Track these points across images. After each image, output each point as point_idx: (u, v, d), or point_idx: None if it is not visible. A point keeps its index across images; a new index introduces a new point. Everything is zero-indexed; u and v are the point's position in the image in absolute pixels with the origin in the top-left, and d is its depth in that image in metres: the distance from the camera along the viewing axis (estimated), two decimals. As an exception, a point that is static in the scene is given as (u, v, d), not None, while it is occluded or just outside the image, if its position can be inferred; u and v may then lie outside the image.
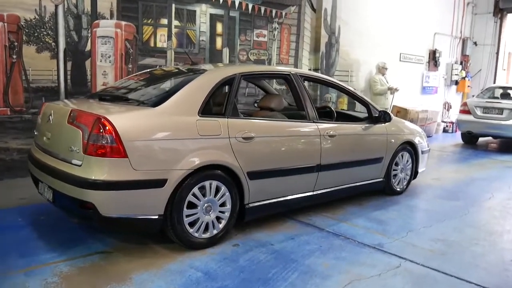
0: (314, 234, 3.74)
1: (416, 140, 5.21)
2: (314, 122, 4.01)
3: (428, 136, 10.47)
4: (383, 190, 5.00)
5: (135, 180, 2.91)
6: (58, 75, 5.47)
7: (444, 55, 11.81)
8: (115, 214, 2.92)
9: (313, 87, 8.35)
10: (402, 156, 5.07)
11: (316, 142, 3.96)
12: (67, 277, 2.82)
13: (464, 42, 12.66)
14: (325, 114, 4.77)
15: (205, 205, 3.27)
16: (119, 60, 5.92)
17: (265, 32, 7.59)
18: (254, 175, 3.51)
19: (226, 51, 7.09)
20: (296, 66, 8.16)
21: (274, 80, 7.46)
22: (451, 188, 5.60)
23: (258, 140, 3.50)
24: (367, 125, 4.60)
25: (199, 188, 3.21)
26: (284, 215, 4.10)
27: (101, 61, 5.79)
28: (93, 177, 2.83)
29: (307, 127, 3.96)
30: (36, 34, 5.24)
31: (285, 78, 4.06)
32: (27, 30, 5.15)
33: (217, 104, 3.54)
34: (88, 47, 5.67)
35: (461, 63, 12.68)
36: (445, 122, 12.07)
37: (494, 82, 12.76)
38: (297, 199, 3.96)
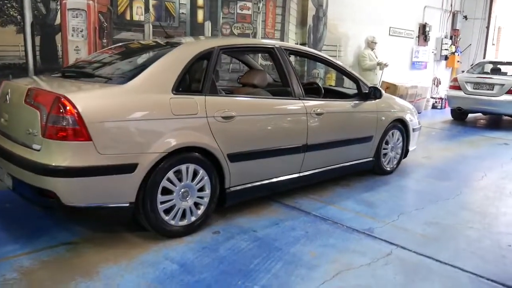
0: (300, 218, 3.51)
1: (407, 117, 4.97)
2: (300, 99, 3.73)
3: (418, 113, 10.30)
4: (373, 170, 4.78)
5: (101, 166, 2.62)
6: (25, 51, 5.07)
7: (434, 29, 11.52)
8: (79, 203, 2.64)
9: (300, 62, 8.04)
10: (392, 134, 4.84)
11: (302, 121, 3.70)
12: (28, 272, 2.56)
13: (454, 16, 12.36)
14: (312, 90, 4.51)
15: (182, 190, 3.01)
16: (92, 34, 5.52)
17: (249, 4, 7.20)
18: (235, 157, 3.24)
19: (208, 25, 6.71)
20: (282, 40, 7.80)
21: (260, 55, 7.15)
22: (443, 167, 5.41)
23: (239, 119, 3.22)
24: (357, 102, 4.34)
25: (174, 173, 2.94)
26: (269, 198, 3.87)
27: (72, 35, 5.40)
28: (53, 163, 2.54)
29: (293, 105, 3.69)
30: (-1, 6, 4.82)
31: (268, 52, 3.75)
32: (-11, 2, 4.73)
33: (193, 80, 3.23)
34: (57, 21, 5.27)
35: (451, 38, 12.42)
36: (434, 98, 11.87)
37: (484, 57, 12.56)
38: (283, 181, 3.71)
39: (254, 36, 7.35)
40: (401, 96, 9.52)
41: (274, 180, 3.64)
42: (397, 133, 4.89)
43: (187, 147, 2.97)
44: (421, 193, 4.35)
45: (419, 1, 10.87)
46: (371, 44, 9.11)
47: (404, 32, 10.64)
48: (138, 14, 5.93)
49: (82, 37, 5.46)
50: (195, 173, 3.06)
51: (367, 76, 8.97)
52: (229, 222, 3.37)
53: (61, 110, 2.54)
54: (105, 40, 5.62)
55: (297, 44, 7.97)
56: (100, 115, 2.61)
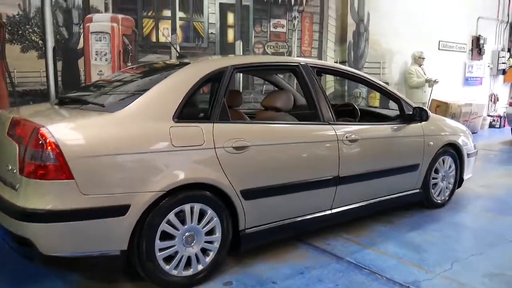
0: (331, 265, 2.96)
1: (460, 141, 4.30)
2: (329, 124, 3.22)
3: (473, 133, 9.34)
4: (420, 203, 4.14)
5: (84, 208, 2.23)
6: (47, 76, 4.92)
7: (489, 42, 10.61)
8: (60, 253, 2.25)
9: (340, 82, 7.52)
10: (443, 161, 4.18)
11: (332, 149, 3.17)
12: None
13: (511, 26, 11.38)
14: (347, 113, 3.98)
15: (186, 234, 2.56)
16: (116, 57, 5.31)
17: (283, 21, 6.81)
18: (250, 194, 2.77)
19: (239, 44, 6.37)
20: (320, 58, 7.33)
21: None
22: (504, 198, 4.65)
23: (255, 150, 2.75)
24: (399, 125, 3.76)
25: (176, 214, 2.51)
26: (296, 239, 3.35)
27: (96, 59, 5.21)
28: (28, 206, 2.18)
29: (321, 131, 3.18)
30: (20, 32, 4.70)
31: (292, 70, 3.28)
32: (10, 28, 4.61)
33: (201, 105, 2.82)
34: (80, 45, 5.09)
35: (508, 50, 11.41)
36: (491, 116, 10.87)
37: (547, 70, 11.42)
38: (310, 220, 3.18)
39: (290, 55, 6.92)
40: (453, 115, 8.75)
41: (300, 219, 3.12)
42: (448, 160, 4.23)
43: (191, 184, 2.53)
44: (480, 232, 3.66)
45: (471, 11, 10.05)
46: (418, 60, 8.44)
47: (456, 45, 9.85)
48: (164, 35, 5.67)
49: (106, 60, 5.26)
50: (202, 214, 2.61)
51: (415, 95, 8.31)
52: (246, 269, 2.88)
53: (39, 143, 2.18)
54: (130, 64, 5.38)
55: (336, 62, 7.47)
56: (83, 148, 2.23)
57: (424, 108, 3.75)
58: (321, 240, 3.37)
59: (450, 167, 4.27)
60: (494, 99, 11.31)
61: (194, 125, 2.59)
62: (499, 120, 10.71)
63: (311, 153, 3.07)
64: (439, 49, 9.45)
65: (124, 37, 5.34)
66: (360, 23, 7.73)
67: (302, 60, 3.39)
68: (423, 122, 3.86)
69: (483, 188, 5.03)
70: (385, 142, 3.61)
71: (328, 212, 3.30)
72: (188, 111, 2.67)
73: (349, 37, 7.59)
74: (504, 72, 11.28)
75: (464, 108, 9.03)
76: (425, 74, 8.39)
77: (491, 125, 10.70)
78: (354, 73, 3.64)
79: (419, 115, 3.78)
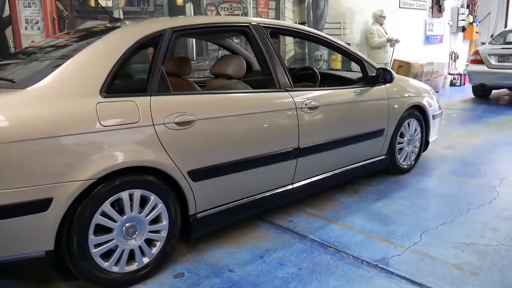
0: (294, 246, 2.71)
1: (425, 102, 4.09)
2: (287, 90, 2.89)
3: (435, 92, 9.34)
4: (386, 170, 3.94)
5: (-5, 207, 1.85)
6: (-31, 48, 4.33)
7: (449, -1, 10.48)
8: (-30, 261, 1.88)
9: (300, 44, 7.17)
10: (408, 125, 3.97)
11: (291, 118, 2.87)
12: None
13: (470, -18, 11.26)
14: (307, 77, 3.66)
15: (126, 225, 2.23)
16: (50, 25, 4.74)
17: (237, -19, 6.32)
18: (199, 174, 2.44)
19: (189, 7, 5.87)
20: (278, 19, 6.92)
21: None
22: (470, 159, 4.53)
23: (201, 124, 2.40)
24: (362, 88, 3.48)
25: (112, 204, 2.16)
26: (256, 217, 3.07)
27: (26, 28, 4.62)
28: None
29: (277, 99, 2.85)
30: None
31: (242, 32, 2.90)
32: None
33: (135, 76, 2.42)
34: (6, 12, 4.49)
35: (467, 7, 11.33)
36: (452, 74, 10.86)
37: (506, 26, 11.45)
38: (269, 197, 2.90)
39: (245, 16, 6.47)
40: (416, 75, 8.62)
41: (258, 197, 2.83)
42: (414, 123, 4.03)
43: (127, 168, 2.17)
44: (447, 198, 3.49)
45: (431, -33, 9.81)
46: (379, 19, 8.17)
47: (416, 3, 9.63)
48: (104, -2, 5.10)
49: (38, 29, 4.68)
50: (144, 201, 2.28)
51: (376, 55, 8.09)
52: (199, 256, 2.59)
53: None
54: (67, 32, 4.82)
55: (296, 23, 7.08)
56: (-14, 135, 1.83)
57: (388, 69, 3.48)
58: (283, 217, 3.12)
59: (415, 130, 4.07)
60: (454, 57, 11.29)
61: (127, 99, 2.20)
62: (459, 78, 10.71)
63: (267, 124, 2.75)
64: (399, 7, 9.21)
65: (57, 2, 4.75)
66: (318, -19, 7.32)
67: (254, 20, 3.01)
68: (387, 84, 3.60)
69: (448, 149, 4.90)
70: (348, 108, 3.33)
71: (290, 187, 3.03)
72: (119, 83, 2.29)
73: (308, -4, 7.18)
74: (463, 29, 11.22)
75: (426, 67, 8.91)
76: (386, 33, 8.16)
77: (452, 84, 10.70)
78: (312, 33, 3.29)
79: (383, 76, 3.51)
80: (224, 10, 6.24)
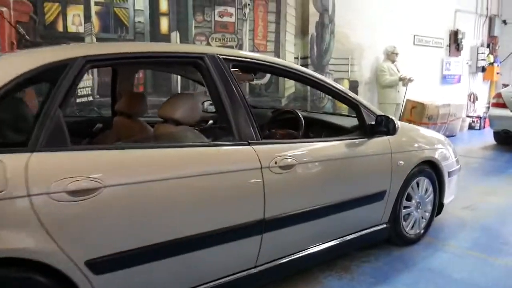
0: None
1: (439, 156, 3.31)
2: (249, 143, 2.17)
3: (452, 136, 8.53)
4: (389, 240, 3.15)
5: None
6: None
7: (467, 37, 9.78)
8: None
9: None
10: (418, 184, 3.20)
11: (252, 182, 2.13)
12: None
13: (491, 20, 10.56)
14: (291, 123, 2.95)
15: None
16: (8, 51, 4.16)
17: (231, 9, 5.75)
18: (105, 265, 1.70)
19: (175, 36, 5.29)
20: (277, 53, 6.30)
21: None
22: (494, 226, 3.69)
23: (108, 194, 1.68)
24: (357, 140, 2.74)
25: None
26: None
27: (-22, 53, 4.04)
28: None
29: (233, 155, 2.12)
30: None
31: (193, 64, 2.20)
32: None
33: (13, 124, 1.73)
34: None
35: (488, 46, 10.62)
36: (470, 117, 10.03)
37: (530, 67, 10.68)
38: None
39: (240, 49, 5.86)
40: (430, 117, 7.86)
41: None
42: (424, 182, 3.25)
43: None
44: (468, 287, 2.66)
45: (449, 4, 9.18)
46: (391, 56, 7.51)
47: (432, 40, 8.97)
48: (75, 24, 4.54)
49: (-7, 55, 4.09)
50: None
51: (388, 94, 7.41)
52: None
53: None
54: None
55: (297, 58, 6.46)
56: None
57: (391, 117, 2.73)
58: (244, 309, 2.33)
59: (426, 190, 3.29)
60: (473, 98, 10.51)
61: (-11, 158, 1.51)
62: (478, 121, 9.88)
63: (213, 192, 2.01)
64: (414, 44, 8.55)
65: (18, 25, 4.20)
66: (324, 13, 6.71)
67: (211, 49, 2.34)
68: (390, 136, 2.85)
69: (467, 211, 4.06)
70: (336, 166, 2.57)
71: (252, 270, 2.26)
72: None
73: (311, 29, 6.57)
74: (483, 69, 10.47)
75: (442, 109, 8.13)
76: (398, 71, 7.47)
77: (470, 127, 9.87)
78: (292, 69, 2.54)
79: (385, 125, 2.76)
80: (215, 41, 5.65)
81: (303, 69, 2.68)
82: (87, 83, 4.65)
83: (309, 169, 2.41)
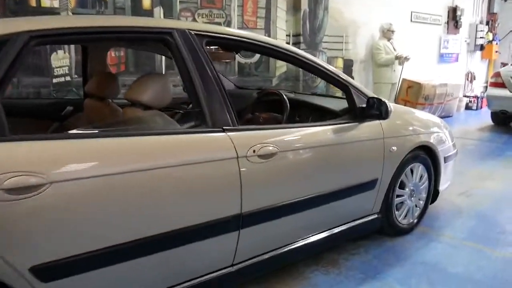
0: None
1: (435, 140, 3.10)
2: (224, 130, 1.94)
3: (448, 116, 8.33)
4: (380, 230, 2.96)
5: None
6: None
7: (466, 14, 9.47)
8: None
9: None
10: (412, 171, 3.00)
11: (226, 173, 1.91)
12: None
13: (491, -4, 10.27)
14: (275, 106, 2.72)
15: None
16: (-25, 27, 3.86)
17: (218, -17, 5.43)
18: (54, 271, 1.50)
19: (159, 11, 4.98)
20: (268, 30, 6.00)
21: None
22: (491, 213, 3.52)
23: (56, 192, 1.46)
24: (346, 124, 2.51)
25: None
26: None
27: None
28: None
29: (205, 144, 1.90)
30: None
31: (161, 40, 1.95)
32: None
33: None
34: None
35: (487, 23, 10.32)
36: (468, 97, 9.81)
37: (529, 45, 10.42)
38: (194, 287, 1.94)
39: (228, 26, 5.57)
40: (427, 97, 7.63)
41: (175, 289, 1.87)
42: (419, 168, 3.05)
43: None
44: (462, 282, 2.49)
45: (448, -22, 8.86)
46: (387, 33, 7.22)
47: (430, 17, 8.66)
48: (49, -3, 4.23)
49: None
50: None
51: (383, 73, 7.16)
52: None
53: None
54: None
55: (289, 35, 6.17)
56: None
57: (383, 99, 2.50)
58: (221, 310, 2.14)
59: (421, 177, 3.09)
60: (470, 77, 10.27)
61: None
62: (476, 101, 9.66)
63: (181, 186, 1.79)
64: (411, 21, 8.25)
65: (-15, -1, 3.89)
66: (317, -12, 6.39)
67: (181, 24, 2.09)
68: (382, 120, 2.62)
69: (463, 197, 3.88)
70: (323, 153, 2.35)
71: (229, 269, 2.06)
72: None
73: (304, 4, 6.25)
74: (482, 47, 10.20)
75: (439, 88, 7.89)
76: (395, 49, 7.19)
77: (467, 107, 9.65)
78: (274, 46, 2.29)
79: (377, 108, 2.53)
80: (202, 17, 5.34)
81: (287, 46, 2.42)
82: (64, 61, 4.37)
83: (292, 157, 2.19)
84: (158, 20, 1.84)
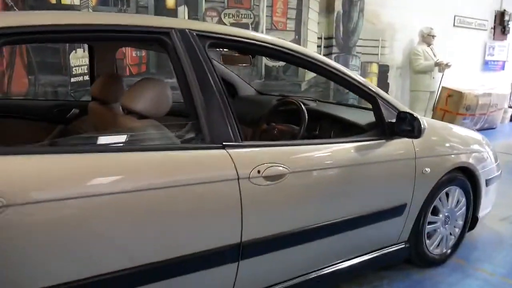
0: None
1: (474, 160, 2.73)
2: (224, 146, 1.68)
3: (491, 128, 7.80)
4: (409, 260, 2.62)
5: None
6: None
7: (515, 19, 8.85)
8: None
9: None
10: (447, 195, 2.64)
11: (225, 197, 1.65)
12: None
13: (543, 1, 9.55)
14: (293, 115, 2.44)
15: None
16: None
17: (247, -18, 5.19)
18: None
19: (183, 11, 4.79)
20: (298, 33, 5.73)
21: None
22: (539, 245, 3.10)
23: (17, 215, 1.24)
24: (371, 142, 2.19)
25: None
26: None
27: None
28: None
29: (198, 162, 1.64)
30: None
31: (157, 41, 1.71)
32: None
33: None
34: None
35: (538, 30, 9.62)
36: (514, 108, 9.17)
37: None
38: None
39: (256, 28, 5.33)
40: (468, 107, 7.12)
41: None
42: (456, 192, 2.69)
43: None
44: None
45: (496, -19, 8.29)
46: (427, 38, 6.79)
47: (475, 22, 8.11)
48: (70, -6, 4.11)
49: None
50: None
51: (421, 80, 6.75)
52: None
53: None
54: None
55: (320, 38, 5.86)
56: None
57: (415, 115, 2.17)
58: None
59: (457, 202, 2.73)
60: (517, 87, 9.59)
61: None
62: (522, 113, 9.01)
63: (171, 210, 1.54)
64: (454, 25, 7.75)
65: (5, -6, 3.80)
66: (353, -12, 6.05)
67: (180, 23, 1.84)
68: (413, 139, 2.29)
69: (506, 223, 3.46)
70: (342, 175, 2.05)
71: (226, 306, 1.80)
72: None
73: (338, 6, 5.92)
74: (531, 55, 9.50)
75: (482, 98, 7.36)
76: (435, 56, 6.76)
77: (512, 119, 9.03)
78: (290, 50, 2.01)
79: (409, 124, 2.20)
80: (228, 17, 5.12)
81: (306, 51, 2.13)
82: (83, 60, 4.24)
83: (305, 179, 1.90)
84: (155, 18, 1.63)
